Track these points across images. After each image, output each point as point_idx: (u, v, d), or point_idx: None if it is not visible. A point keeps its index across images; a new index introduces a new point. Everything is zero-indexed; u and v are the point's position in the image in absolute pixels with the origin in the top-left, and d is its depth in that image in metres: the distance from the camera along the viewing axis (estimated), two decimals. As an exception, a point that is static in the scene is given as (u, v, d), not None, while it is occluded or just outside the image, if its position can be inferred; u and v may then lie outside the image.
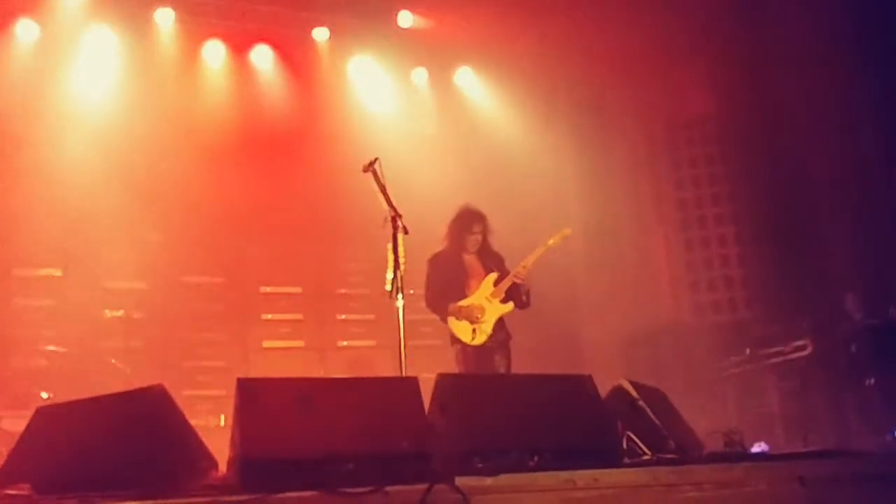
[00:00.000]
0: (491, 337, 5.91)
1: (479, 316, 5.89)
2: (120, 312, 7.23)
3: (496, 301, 5.95)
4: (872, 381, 6.83)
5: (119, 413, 3.37)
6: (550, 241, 5.97)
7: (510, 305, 5.97)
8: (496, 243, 6.30)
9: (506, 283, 5.94)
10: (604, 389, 4.42)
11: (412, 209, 5.20)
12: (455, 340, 5.97)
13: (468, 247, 6.11)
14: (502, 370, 5.92)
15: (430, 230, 6.15)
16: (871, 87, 8.05)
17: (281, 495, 2.74)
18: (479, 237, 6.11)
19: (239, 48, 8.73)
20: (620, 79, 9.25)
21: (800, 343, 7.50)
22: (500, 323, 5.99)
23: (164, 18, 8.33)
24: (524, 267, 5.89)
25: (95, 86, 7.99)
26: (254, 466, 3.02)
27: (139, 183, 7.56)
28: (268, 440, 3.10)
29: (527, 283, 5.94)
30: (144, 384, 3.54)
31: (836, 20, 8.17)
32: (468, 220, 6.11)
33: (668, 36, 8.76)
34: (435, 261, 6.16)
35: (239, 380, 3.23)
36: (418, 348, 7.20)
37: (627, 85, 9.34)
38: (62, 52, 7.98)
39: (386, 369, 7.34)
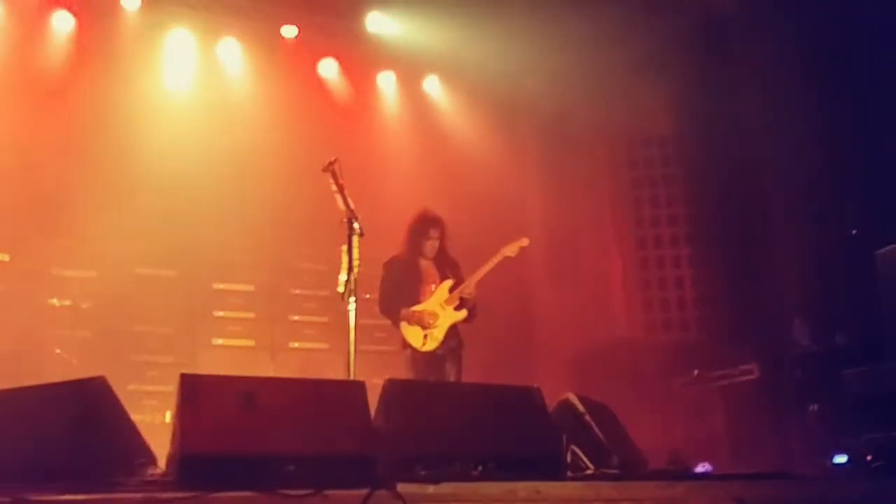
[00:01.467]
0: (442, 344, 5.89)
1: (430, 322, 5.87)
2: (68, 301, 7.08)
3: (450, 308, 5.93)
4: (815, 407, 6.94)
5: (55, 404, 3.29)
6: (507, 251, 5.97)
7: (463, 313, 5.96)
8: (454, 250, 6.29)
9: (459, 293, 5.93)
10: (553, 402, 4.43)
11: (370, 212, 5.19)
12: (406, 345, 5.94)
13: (425, 251, 6.08)
14: (452, 378, 5.89)
15: (387, 234, 6.12)
16: (827, 119, 8.21)
17: (218, 494, 2.69)
18: (437, 242, 6.08)
19: (206, 40, 8.63)
20: (584, 96, 9.32)
21: (747, 367, 7.60)
22: (453, 330, 5.97)
23: (130, 4, 8.20)
24: (470, 284, 5.88)
25: (53, 67, 7.82)
26: (192, 463, 2.97)
27: (94, 170, 7.43)
28: (208, 437, 3.06)
29: (473, 299, 5.93)
30: (90, 376, 3.46)
31: (797, 50, 8.34)
32: (425, 225, 6.08)
33: (632, 57, 8.87)
34: (390, 264, 6.12)
35: (182, 375, 3.18)
36: (371, 353, 7.18)
37: (591, 102, 9.41)
38: (23, 32, 7.81)
39: (337, 373, 7.24)
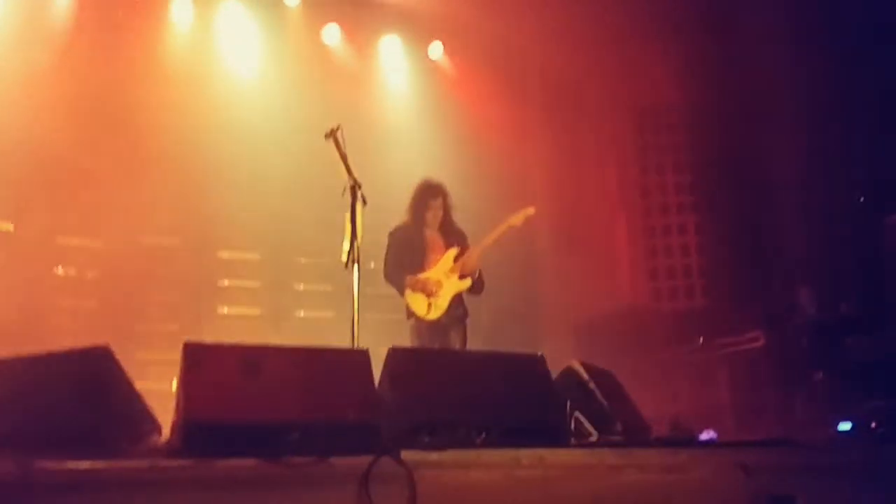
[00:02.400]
0: (446, 312, 5.88)
1: (435, 290, 5.86)
2: (73, 271, 7.10)
3: (454, 277, 5.91)
4: (821, 374, 6.94)
5: (60, 372, 3.30)
6: (513, 220, 5.94)
7: (468, 282, 5.94)
8: (461, 219, 6.26)
9: (463, 262, 5.91)
10: (557, 370, 4.44)
11: (374, 180, 5.16)
12: (410, 314, 5.94)
13: (428, 221, 6.07)
14: (457, 347, 5.90)
15: (392, 202, 6.10)
16: (834, 86, 8.13)
17: (223, 462, 2.69)
18: (440, 212, 6.06)
19: (207, 7, 8.53)
20: (592, 63, 9.24)
21: (752, 334, 7.59)
22: (458, 299, 5.96)
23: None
24: (477, 252, 5.85)
25: (55, 37, 7.76)
26: (196, 430, 2.97)
27: (98, 139, 7.38)
28: (212, 405, 3.06)
29: (476, 270, 5.91)
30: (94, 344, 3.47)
31: (805, 17, 8.23)
32: (427, 194, 6.06)
33: (642, 25, 8.78)
34: (395, 234, 6.11)
35: (185, 343, 3.18)
36: (375, 321, 7.17)
37: (599, 69, 9.33)
38: (26, 3, 7.74)
39: (342, 341, 7.26)
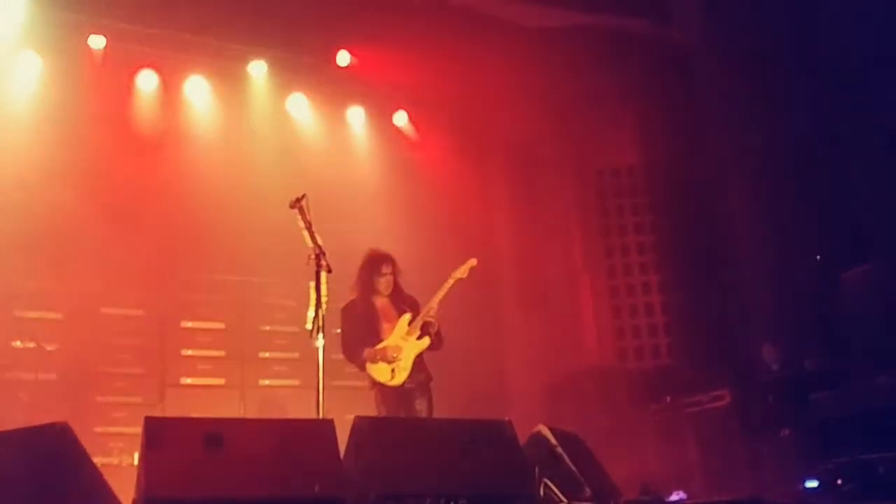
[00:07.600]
0: (411, 375, 5.84)
1: (395, 356, 5.83)
2: (32, 344, 6.97)
3: (412, 339, 5.90)
4: (787, 431, 6.98)
5: (15, 451, 3.22)
6: (457, 273, 5.97)
7: (426, 341, 5.92)
8: (427, 284, 6.26)
9: (419, 322, 5.91)
10: (525, 433, 4.42)
11: (339, 248, 5.18)
12: (374, 384, 5.90)
13: (379, 289, 6.06)
14: (423, 414, 5.83)
15: (356, 270, 6.11)
16: (790, 145, 8.38)
17: (184, 540, 2.64)
18: (390, 278, 6.06)
19: (173, 79, 8.59)
20: (553, 126, 9.42)
21: (718, 392, 7.64)
22: (420, 363, 5.93)
23: (96, 45, 8.16)
24: (432, 308, 5.87)
25: (18, 108, 7.75)
26: (157, 509, 2.91)
27: (60, 210, 7.33)
28: (174, 481, 3.01)
29: (436, 323, 5.91)
30: (54, 420, 3.40)
31: (759, 77, 8.51)
32: (376, 262, 6.07)
33: (599, 90, 9.02)
34: (347, 310, 6.08)
35: (146, 418, 3.14)
36: (342, 389, 7.11)
37: (560, 133, 9.52)
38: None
39: (308, 409, 7.19)
